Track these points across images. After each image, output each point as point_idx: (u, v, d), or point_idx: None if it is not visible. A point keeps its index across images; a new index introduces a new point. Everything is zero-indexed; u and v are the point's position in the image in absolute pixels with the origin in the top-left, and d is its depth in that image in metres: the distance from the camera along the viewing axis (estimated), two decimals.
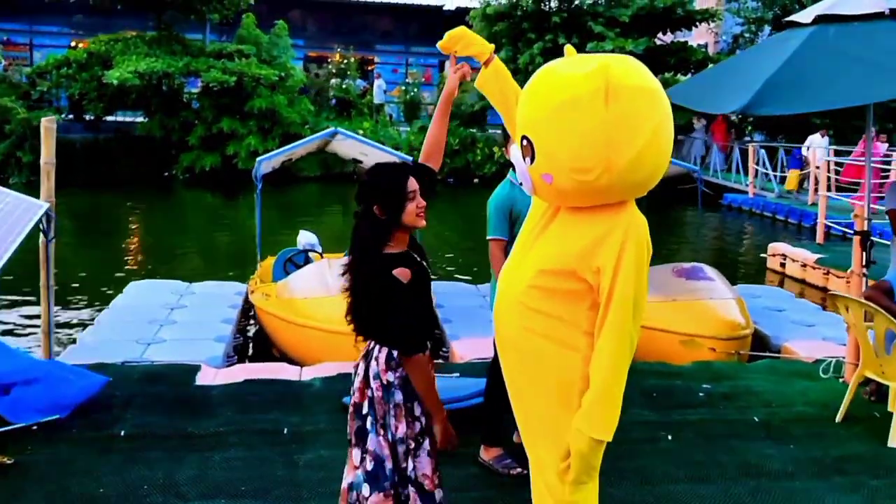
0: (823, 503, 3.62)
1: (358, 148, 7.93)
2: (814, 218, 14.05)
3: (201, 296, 7.58)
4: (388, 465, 2.58)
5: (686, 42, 22.40)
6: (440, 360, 5.85)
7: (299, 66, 24.40)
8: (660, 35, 21.95)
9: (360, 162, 8.45)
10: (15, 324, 7.87)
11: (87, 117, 21.57)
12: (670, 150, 2.28)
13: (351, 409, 2.69)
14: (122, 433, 4.21)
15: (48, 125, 4.88)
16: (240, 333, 7.12)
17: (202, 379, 5.10)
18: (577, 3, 21.49)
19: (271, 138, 20.35)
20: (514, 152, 2.41)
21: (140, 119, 21.93)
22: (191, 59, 20.66)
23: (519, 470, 3.78)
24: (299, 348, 6.19)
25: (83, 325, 7.59)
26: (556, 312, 2.31)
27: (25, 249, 4.36)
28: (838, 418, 4.53)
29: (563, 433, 2.33)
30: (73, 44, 25.40)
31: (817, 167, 14.43)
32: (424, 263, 2.63)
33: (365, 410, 2.63)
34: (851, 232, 11.33)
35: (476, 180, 21.17)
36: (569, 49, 2.41)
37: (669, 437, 4.27)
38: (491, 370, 3.98)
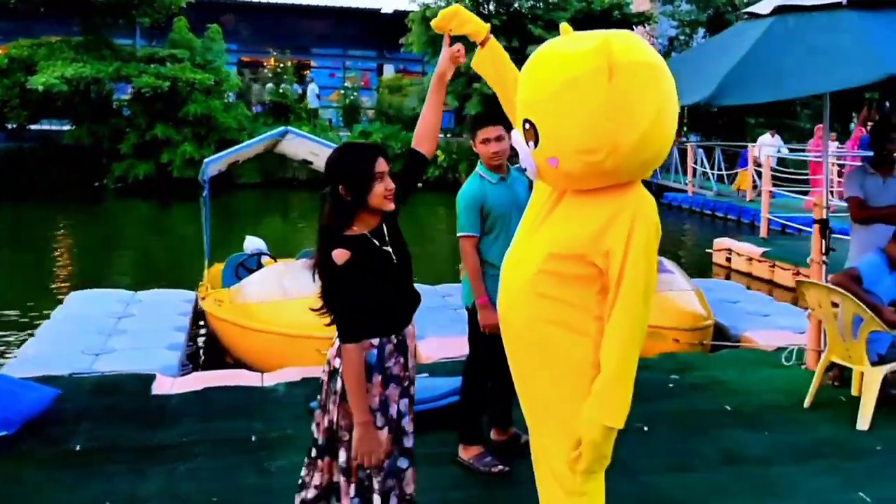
0: (805, 487, 3.63)
1: (308, 147, 7.74)
2: (752, 214, 14.46)
3: (149, 304, 7.26)
4: (320, 439, 2.56)
5: None
6: None
7: (233, 70, 23.90)
8: None
9: (311, 162, 8.24)
10: None
11: (10, 126, 20.70)
12: (675, 127, 2.22)
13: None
14: (78, 447, 3.96)
15: None
16: (191, 341, 6.85)
17: (158, 388, 4.86)
18: (515, 6, 21.64)
19: (207, 145, 19.82)
20: (516, 137, 2.32)
21: (67, 127, 21.12)
22: (121, 64, 19.97)
23: (501, 467, 3.70)
24: (257, 354, 5.97)
25: (20, 340, 7.16)
26: (566, 297, 2.23)
27: None
28: (806, 404, 4.59)
29: (572, 422, 2.25)
30: None
31: (758, 166, 14.82)
32: (389, 249, 2.47)
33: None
34: (794, 226, 11.71)
35: (420, 185, 21.01)
36: (565, 27, 2.33)
37: (646, 429, 4.24)
38: (467, 369, 3.89)
